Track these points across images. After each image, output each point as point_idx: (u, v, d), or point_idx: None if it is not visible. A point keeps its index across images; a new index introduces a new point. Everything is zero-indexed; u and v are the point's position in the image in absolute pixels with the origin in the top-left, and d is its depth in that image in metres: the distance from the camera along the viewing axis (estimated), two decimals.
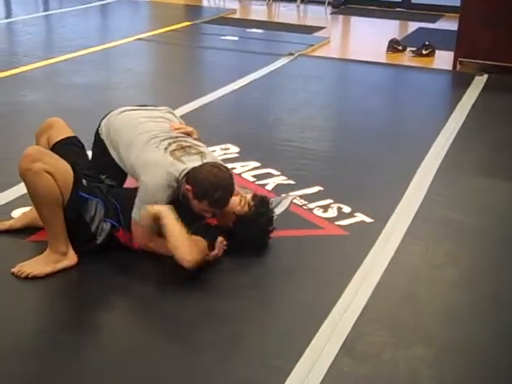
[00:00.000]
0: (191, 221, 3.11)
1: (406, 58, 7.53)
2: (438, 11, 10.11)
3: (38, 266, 3.02)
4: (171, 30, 8.26)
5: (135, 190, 3.20)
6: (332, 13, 10.13)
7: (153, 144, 3.19)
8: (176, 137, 3.27)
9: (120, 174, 3.37)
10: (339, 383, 2.50)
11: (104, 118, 3.44)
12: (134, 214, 3.12)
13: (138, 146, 3.20)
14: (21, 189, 3.70)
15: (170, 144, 3.20)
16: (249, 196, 3.30)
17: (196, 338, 2.69)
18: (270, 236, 3.36)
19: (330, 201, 3.86)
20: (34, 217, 3.31)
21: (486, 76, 6.69)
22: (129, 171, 3.29)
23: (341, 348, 2.65)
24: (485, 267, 3.36)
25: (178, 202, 3.14)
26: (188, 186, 3.09)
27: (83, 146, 3.32)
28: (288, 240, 3.45)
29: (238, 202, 3.26)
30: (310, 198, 3.90)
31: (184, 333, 2.73)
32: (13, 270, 3.00)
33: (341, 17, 10.01)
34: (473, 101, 5.89)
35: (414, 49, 7.64)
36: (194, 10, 10.01)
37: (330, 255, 3.38)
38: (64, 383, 2.45)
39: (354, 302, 2.95)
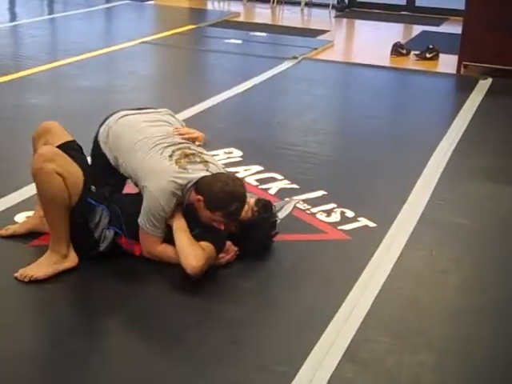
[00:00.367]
0: (197, 226, 3.12)
1: (410, 62, 7.52)
2: (442, 14, 10.09)
3: (39, 268, 3.02)
4: (175, 33, 8.26)
5: (137, 195, 3.20)
6: (336, 16, 10.12)
7: (157, 151, 3.17)
8: (179, 143, 3.26)
9: (119, 179, 3.37)
10: None
11: (102, 123, 3.40)
12: (141, 220, 3.11)
13: (141, 152, 3.18)
14: (24, 193, 3.73)
15: (173, 152, 3.18)
16: (252, 201, 3.30)
17: (199, 342, 2.69)
18: (273, 240, 3.37)
19: (334, 205, 3.86)
20: (37, 222, 3.32)
21: (490, 80, 6.68)
22: (129, 175, 3.27)
23: (344, 353, 2.64)
24: (488, 272, 3.35)
25: (182, 210, 3.14)
26: (199, 197, 3.08)
27: (82, 150, 3.31)
28: (291, 244, 3.45)
29: None
30: (313, 202, 3.90)
31: (187, 338, 2.73)
32: (15, 274, 3.00)
33: (345, 20, 10.01)
34: (476, 105, 5.88)
35: (417, 52, 7.62)
36: (199, 14, 10.02)
37: (333, 260, 3.37)
38: None
39: (358, 306, 2.95)
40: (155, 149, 3.18)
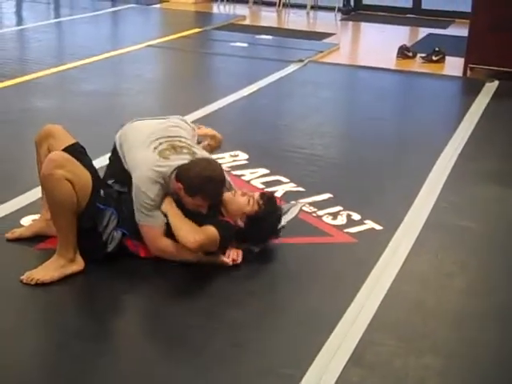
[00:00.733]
0: (203, 217, 3.14)
1: (416, 65, 7.52)
2: (449, 17, 10.08)
3: (46, 271, 3.03)
4: (181, 37, 8.28)
5: None
6: (342, 19, 10.13)
7: (144, 144, 3.22)
8: (169, 136, 3.28)
9: (130, 180, 3.38)
10: None
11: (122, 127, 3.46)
12: (136, 216, 3.13)
13: (134, 148, 3.24)
14: (30, 196, 3.74)
15: (160, 143, 3.22)
16: (256, 195, 3.32)
17: (204, 345, 2.69)
18: (279, 233, 3.37)
19: (340, 208, 3.86)
20: (43, 225, 3.33)
21: (496, 82, 6.67)
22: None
23: (350, 356, 2.64)
24: (494, 275, 3.34)
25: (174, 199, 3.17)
26: (179, 185, 3.11)
27: (86, 152, 3.32)
28: (297, 247, 3.45)
29: (247, 202, 3.27)
30: (320, 205, 3.89)
31: (192, 340, 2.73)
32: (22, 277, 3.01)
33: (350, 23, 10.01)
34: (483, 108, 5.87)
35: (424, 55, 7.62)
36: (204, 17, 10.04)
37: (340, 263, 3.37)
38: None
39: (364, 310, 2.95)
40: (145, 142, 3.22)
